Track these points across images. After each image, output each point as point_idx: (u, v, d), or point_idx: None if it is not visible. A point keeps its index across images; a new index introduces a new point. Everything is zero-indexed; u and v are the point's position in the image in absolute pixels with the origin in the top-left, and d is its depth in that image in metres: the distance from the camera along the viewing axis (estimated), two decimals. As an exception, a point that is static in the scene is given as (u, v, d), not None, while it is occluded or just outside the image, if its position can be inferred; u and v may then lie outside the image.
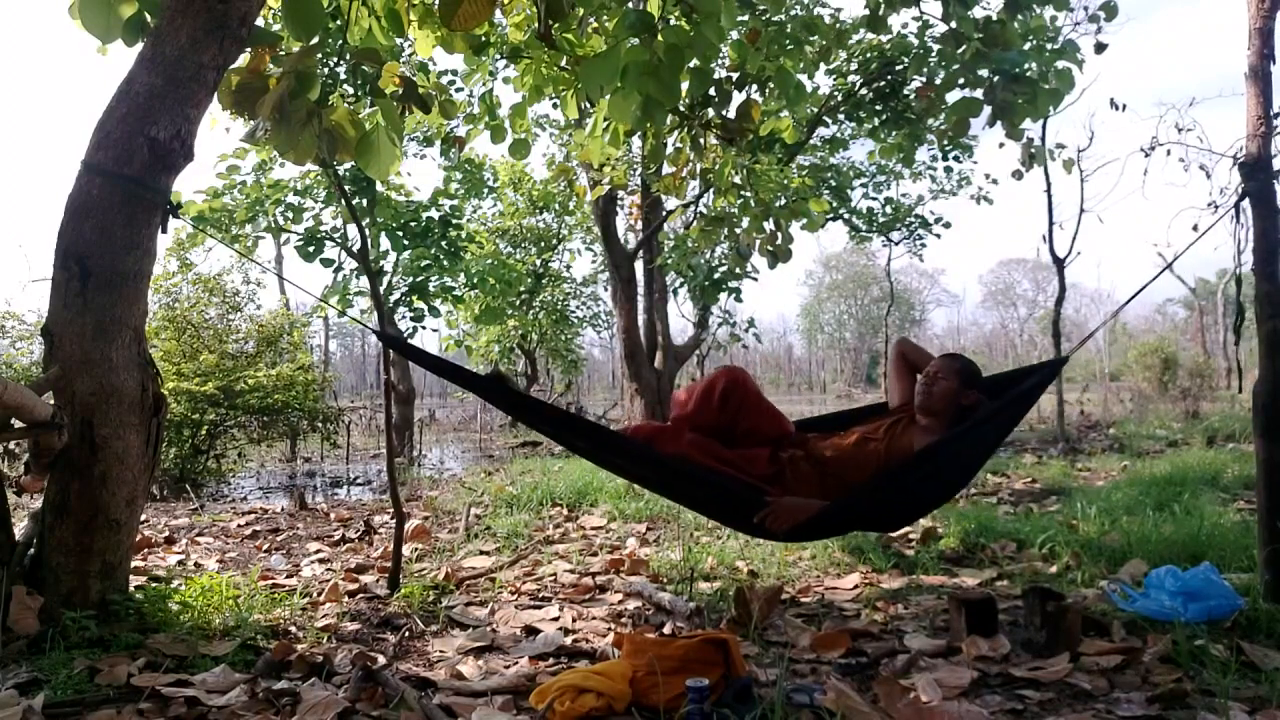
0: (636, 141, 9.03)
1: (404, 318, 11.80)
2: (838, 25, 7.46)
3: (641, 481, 3.46)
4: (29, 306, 11.80)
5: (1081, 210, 11.81)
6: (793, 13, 7.95)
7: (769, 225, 6.86)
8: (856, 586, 3.79)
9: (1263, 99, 3.11)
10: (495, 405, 3.77)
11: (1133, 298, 3.39)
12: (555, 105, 7.26)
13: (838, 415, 3.59)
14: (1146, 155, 7.34)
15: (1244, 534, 4.03)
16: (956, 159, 13.50)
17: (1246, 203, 3.06)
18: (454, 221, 11.69)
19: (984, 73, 5.13)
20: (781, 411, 3.27)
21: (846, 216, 15.51)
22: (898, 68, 9.75)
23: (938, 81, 5.95)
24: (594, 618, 3.39)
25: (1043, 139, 11.00)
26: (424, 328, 11.90)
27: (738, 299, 12.65)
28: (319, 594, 3.68)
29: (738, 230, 7.22)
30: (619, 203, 12.79)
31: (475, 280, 13.02)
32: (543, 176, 16.24)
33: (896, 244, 17.00)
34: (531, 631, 3.17)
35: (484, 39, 4.86)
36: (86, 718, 2.22)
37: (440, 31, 4.36)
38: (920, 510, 3.30)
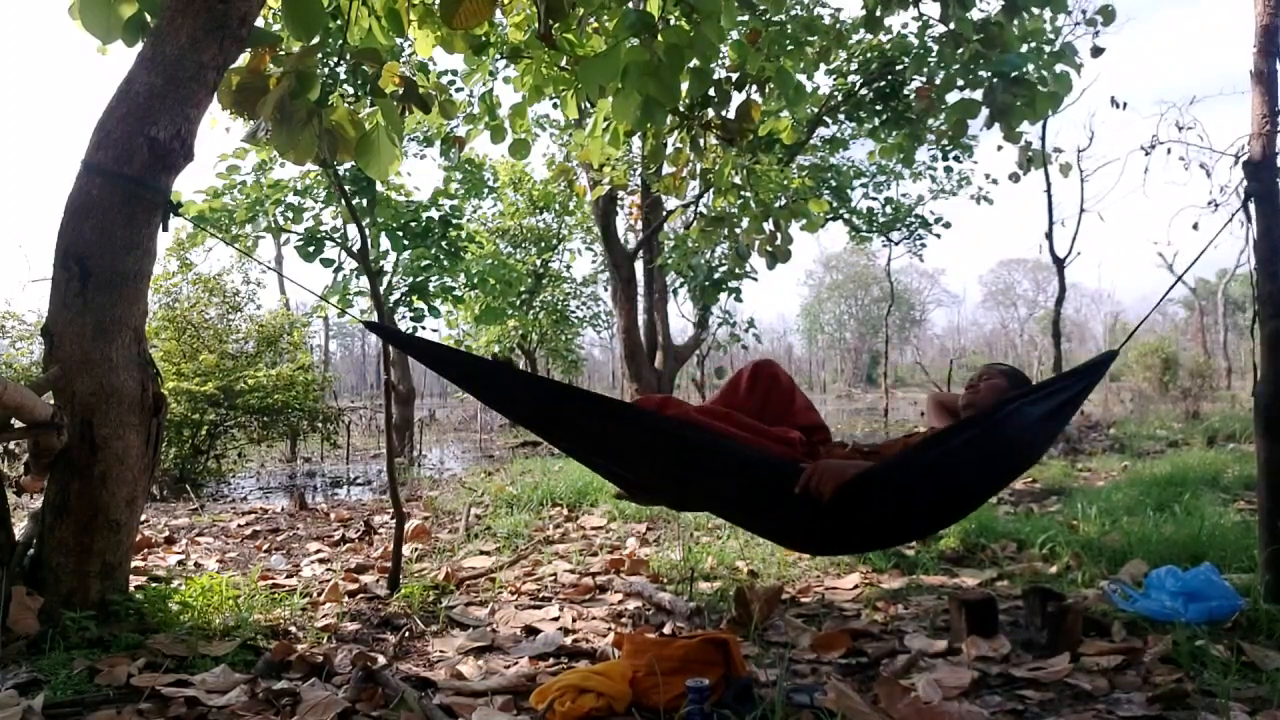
0: (636, 141, 9.03)
1: (404, 318, 11.79)
2: (837, 26, 7.47)
3: (655, 475, 2.84)
4: (29, 306, 11.81)
5: (1082, 210, 11.83)
6: (793, 13, 7.95)
7: (769, 225, 6.87)
8: (856, 586, 3.79)
9: (1268, 97, 3.08)
10: (489, 404, 3.09)
11: (1165, 295, 3.39)
12: (555, 105, 7.28)
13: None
14: (1147, 154, 7.35)
15: (1244, 534, 4.02)
16: (956, 159, 13.49)
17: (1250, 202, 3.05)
18: (454, 221, 11.68)
19: (983, 74, 5.14)
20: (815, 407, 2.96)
21: (846, 216, 15.51)
22: (898, 68, 9.75)
23: (937, 82, 5.96)
24: (594, 618, 3.39)
25: (1042, 139, 11.02)
26: (424, 328, 11.91)
27: (738, 299, 12.65)
28: (319, 594, 3.68)
29: (738, 230, 7.24)
30: (619, 203, 12.79)
31: (475, 280, 13.02)
32: (543, 176, 16.23)
33: (896, 244, 17.01)
34: (531, 631, 3.17)
35: (484, 39, 4.86)
36: (86, 718, 2.21)
37: (440, 31, 4.36)
38: (968, 495, 2.73)
